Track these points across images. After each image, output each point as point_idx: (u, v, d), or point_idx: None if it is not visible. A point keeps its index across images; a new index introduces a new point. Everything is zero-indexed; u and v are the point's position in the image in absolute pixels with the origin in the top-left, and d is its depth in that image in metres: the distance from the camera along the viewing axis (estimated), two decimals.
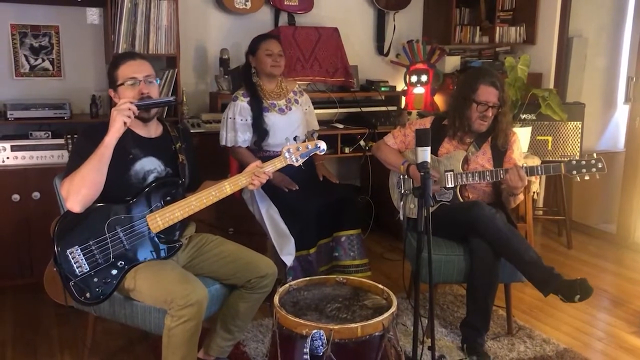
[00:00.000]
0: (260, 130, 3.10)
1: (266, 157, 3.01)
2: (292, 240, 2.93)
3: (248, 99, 3.11)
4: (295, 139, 3.11)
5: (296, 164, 2.38)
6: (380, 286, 2.03)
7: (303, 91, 3.37)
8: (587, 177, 2.64)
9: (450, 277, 2.72)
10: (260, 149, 3.14)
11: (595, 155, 2.64)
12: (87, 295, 2.12)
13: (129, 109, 2.10)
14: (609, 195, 4.58)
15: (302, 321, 1.78)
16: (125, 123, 2.10)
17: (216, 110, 3.88)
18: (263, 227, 3.05)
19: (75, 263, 2.11)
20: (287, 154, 2.35)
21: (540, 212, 4.66)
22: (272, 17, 4.18)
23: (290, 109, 3.20)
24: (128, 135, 2.20)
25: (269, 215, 3.00)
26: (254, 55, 3.15)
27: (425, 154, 2.19)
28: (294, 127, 3.18)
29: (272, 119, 3.13)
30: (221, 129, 3.17)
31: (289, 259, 2.92)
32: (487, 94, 2.70)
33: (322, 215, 3.02)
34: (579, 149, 4.03)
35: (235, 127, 3.10)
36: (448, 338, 2.86)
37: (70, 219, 2.13)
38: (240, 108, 3.10)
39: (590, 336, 2.94)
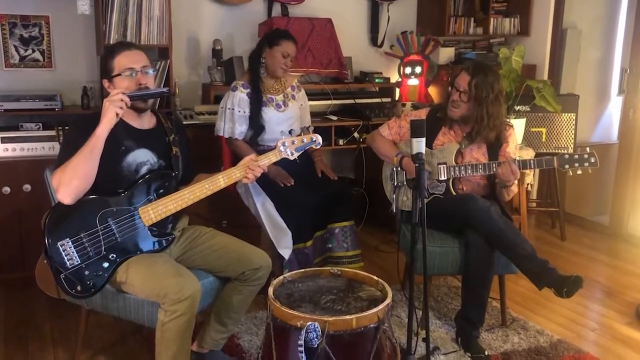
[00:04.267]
0: (256, 125, 3.08)
1: (261, 151, 3.00)
2: (289, 233, 2.92)
3: (248, 90, 3.08)
4: (290, 132, 3.11)
5: (291, 158, 2.36)
6: (375, 278, 2.02)
7: (301, 86, 3.35)
8: (579, 172, 2.64)
9: (444, 269, 2.71)
10: (256, 144, 3.12)
11: (588, 149, 2.64)
12: (78, 288, 2.10)
13: (122, 100, 2.07)
14: (603, 187, 4.59)
15: (296, 313, 1.77)
16: (117, 114, 2.07)
17: (209, 102, 3.85)
18: (259, 220, 3.04)
19: (66, 255, 2.08)
20: (282, 148, 2.33)
21: (534, 204, 4.67)
22: (265, 7, 4.14)
23: (287, 105, 3.18)
24: (121, 127, 2.17)
25: (265, 209, 2.99)
26: (271, 47, 3.09)
27: (420, 145, 2.18)
28: (290, 123, 3.17)
29: (269, 114, 3.10)
30: (218, 119, 3.14)
31: (286, 252, 2.91)
32: (459, 78, 2.72)
33: (317, 208, 3.01)
34: (573, 141, 4.03)
35: (234, 119, 3.07)
36: (442, 330, 2.86)
37: (61, 211, 2.11)
38: (240, 99, 3.07)
39: (584, 327, 2.95)
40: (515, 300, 3.17)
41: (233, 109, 3.07)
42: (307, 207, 2.98)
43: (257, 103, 3.06)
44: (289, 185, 3.00)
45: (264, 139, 3.11)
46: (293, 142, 2.34)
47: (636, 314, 3.05)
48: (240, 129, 3.08)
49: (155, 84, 2.34)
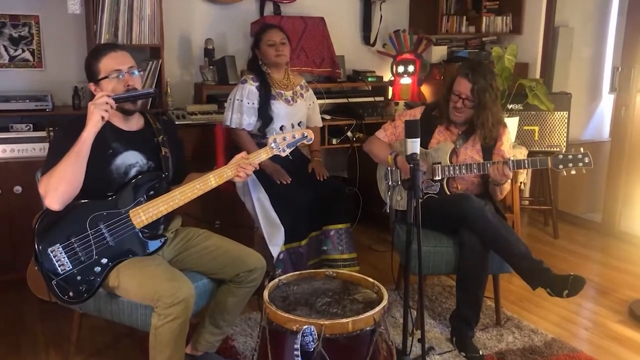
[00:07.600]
0: (265, 116, 3.09)
1: (264, 145, 2.98)
2: (282, 230, 2.91)
3: (257, 83, 3.11)
4: (281, 128, 3.11)
5: (283, 154, 2.35)
6: (371, 280, 2.01)
7: (309, 86, 3.37)
8: (573, 172, 2.64)
9: (439, 269, 2.71)
10: (264, 135, 3.11)
11: (582, 149, 2.64)
12: (71, 293, 2.08)
13: (107, 103, 2.05)
14: (595, 185, 4.61)
15: (292, 317, 1.76)
16: (102, 117, 2.05)
17: (201, 101, 3.82)
18: (254, 217, 3.03)
19: (57, 262, 2.06)
20: (273, 144, 2.32)
21: (527, 202, 4.68)
22: (257, 6, 4.12)
23: (296, 101, 3.20)
24: (108, 129, 2.15)
25: (260, 203, 2.98)
26: (258, 48, 3.15)
27: (414, 145, 2.17)
28: (297, 118, 3.19)
29: (278, 106, 3.12)
30: (226, 110, 3.16)
31: (275, 249, 2.91)
32: (460, 85, 2.71)
33: (313, 208, 3.01)
34: (565, 139, 4.04)
35: (242, 110, 3.08)
36: (437, 329, 2.86)
37: (50, 217, 2.08)
38: (249, 91, 3.09)
39: (578, 326, 2.96)
40: (509, 299, 3.17)
41: (242, 101, 3.09)
42: (302, 205, 2.97)
43: (265, 95, 3.09)
44: (286, 183, 2.99)
45: (273, 131, 3.11)
46: (284, 139, 2.33)
47: (629, 312, 3.06)
48: (248, 120, 3.09)
49: (146, 84, 2.31)
